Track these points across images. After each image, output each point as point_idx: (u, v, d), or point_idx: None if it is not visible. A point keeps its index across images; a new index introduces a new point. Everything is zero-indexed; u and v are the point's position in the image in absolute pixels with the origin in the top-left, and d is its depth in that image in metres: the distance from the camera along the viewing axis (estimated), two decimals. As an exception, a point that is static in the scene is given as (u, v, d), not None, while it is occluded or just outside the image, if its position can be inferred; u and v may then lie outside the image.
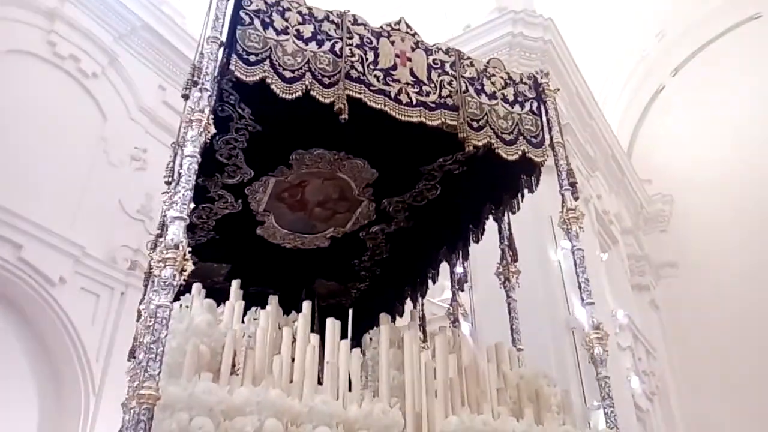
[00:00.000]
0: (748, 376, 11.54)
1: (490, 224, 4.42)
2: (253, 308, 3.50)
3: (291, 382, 2.56)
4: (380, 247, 5.01)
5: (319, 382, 2.73)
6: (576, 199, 3.47)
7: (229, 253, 4.94)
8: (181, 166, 3.13)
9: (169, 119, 8.80)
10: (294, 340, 2.81)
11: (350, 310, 5.28)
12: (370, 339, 3.41)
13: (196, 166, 2.69)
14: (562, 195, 3.51)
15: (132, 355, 5.20)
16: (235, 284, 3.53)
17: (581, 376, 7.12)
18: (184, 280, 2.46)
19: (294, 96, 3.10)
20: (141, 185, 8.34)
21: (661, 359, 12.20)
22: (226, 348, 2.53)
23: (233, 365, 2.52)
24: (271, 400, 2.19)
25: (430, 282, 5.01)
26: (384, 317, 3.55)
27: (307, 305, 3.21)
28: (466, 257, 4.64)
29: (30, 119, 7.36)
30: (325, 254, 5.02)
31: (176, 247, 2.42)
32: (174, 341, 2.45)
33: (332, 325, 2.98)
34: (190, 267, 2.45)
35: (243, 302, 3.20)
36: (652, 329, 12.36)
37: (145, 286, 4.92)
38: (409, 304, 5.22)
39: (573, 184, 3.48)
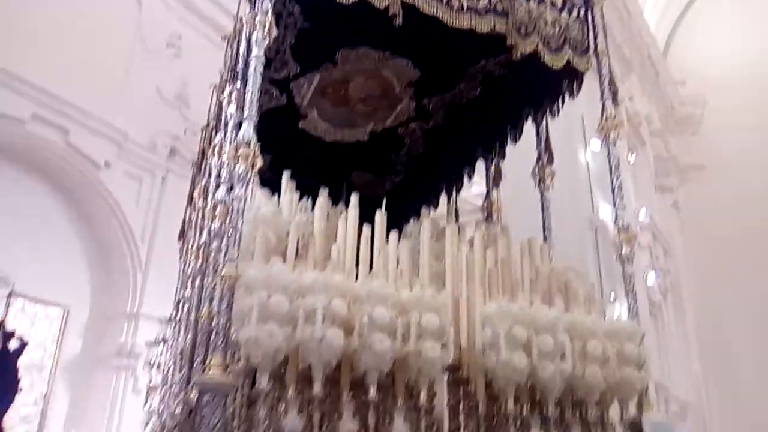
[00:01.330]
0: (760, 279, 11.86)
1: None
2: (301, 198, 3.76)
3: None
4: (417, 143, 5.19)
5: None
6: (616, 106, 3.59)
7: (271, 144, 5.17)
8: (240, 63, 3.30)
9: (201, 5, 8.79)
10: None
11: (384, 202, 5.55)
12: (410, 231, 3.68)
13: (262, 68, 2.86)
14: (603, 103, 3.63)
15: (181, 236, 5.58)
16: (285, 176, 3.73)
17: (600, 272, 7.46)
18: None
19: (351, 1, 3.20)
20: (177, 72, 8.48)
21: (678, 258, 12.54)
22: (291, 235, 2.81)
23: (296, 251, 2.81)
24: (335, 283, 2.48)
25: (465, 178, 5.22)
26: (425, 211, 3.81)
27: (355, 197, 3.42)
28: (502, 156, 4.82)
29: (70, 6, 7.41)
30: (364, 148, 5.21)
31: (248, 144, 2.66)
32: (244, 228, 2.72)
33: (380, 216, 3.23)
34: (260, 162, 2.70)
35: (297, 193, 3.44)
36: (672, 229, 12.62)
37: (195, 173, 5.21)
38: (438, 200, 5.44)
39: (615, 93, 3.59)
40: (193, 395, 2.36)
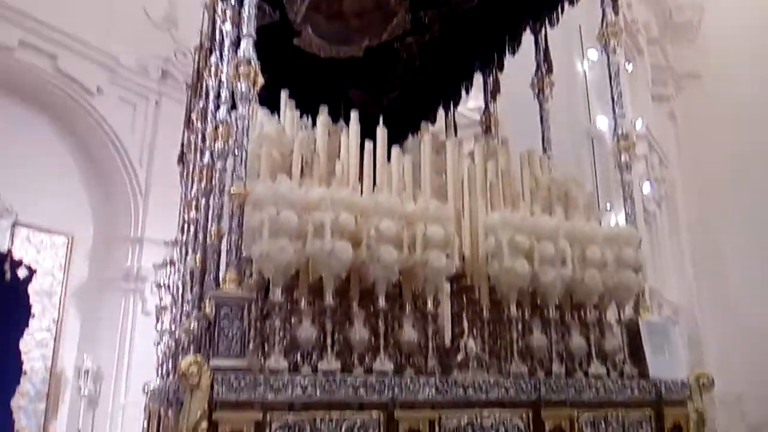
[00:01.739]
0: (754, 188, 11.98)
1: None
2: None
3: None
4: (413, 57, 5.12)
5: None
6: (616, 14, 3.54)
7: (266, 63, 5.10)
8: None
9: None
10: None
11: (381, 119, 5.54)
12: (410, 146, 3.71)
13: (260, -14, 2.82)
14: (603, 10, 3.57)
15: (181, 159, 5.60)
16: (284, 94, 3.71)
17: (597, 183, 7.54)
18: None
19: None
20: (163, -8, 8.26)
21: (673, 168, 12.62)
22: (295, 152, 2.84)
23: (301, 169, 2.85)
24: (341, 197, 2.53)
25: (463, 93, 5.20)
26: (425, 125, 3.83)
27: (354, 114, 3.43)
28: (501, 68, 4.78)
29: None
30: (360, 64, 5.15)
31: (249, 62, 2.65)
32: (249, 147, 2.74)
33: (381, 132, 3.25)
34: (261, 81, 2.69)
35: (297, 112, 3.44)
36: (668, 139, 12.63)
37: (191, 96, 5.17)
38: (435, 115, 5.43)
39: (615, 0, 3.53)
40: (210, 309, 2.45)
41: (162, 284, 5.58)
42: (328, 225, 2.45)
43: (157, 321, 5.52)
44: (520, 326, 2.97)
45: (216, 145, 3.15)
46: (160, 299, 5.61)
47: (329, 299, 2.49)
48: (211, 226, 3.10)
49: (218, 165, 3.07)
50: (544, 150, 4.10)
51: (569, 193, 3.42)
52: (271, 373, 2.29)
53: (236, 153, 2.56)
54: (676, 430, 3.04)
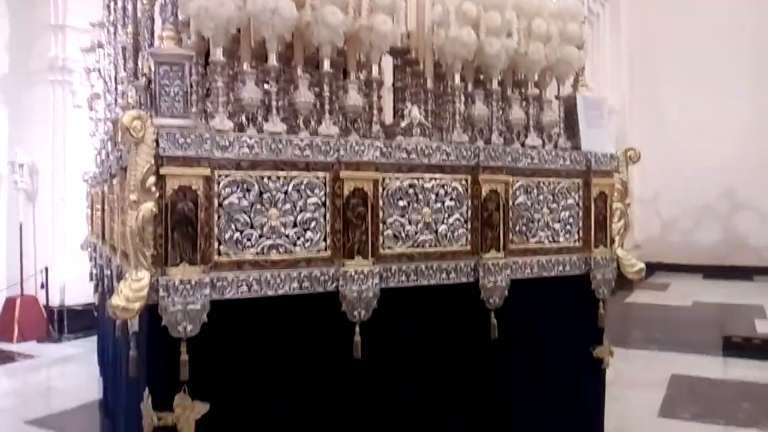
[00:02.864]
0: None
1: None
2: None
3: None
4: None
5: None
6: None
7: None
8: None
9: None
10: None
11: None
12: None
13: None
14: None
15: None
16: None
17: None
18: None
19: None
20: None
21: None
22: None
23: None
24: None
25: None
26: None
27: None
28: None
29: None
30: None
31: None
32: None
33: None
34: None
35: None
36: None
37: None
38: None
39: None
40: (149, 69, 2.37)
41: (92, 68, 5.31)
42: (270, -19, 2.32)
43: (91, 110, 5.34)
44: (462, 97, 3.02)
45: None
46: (92, 86, 5.37)
47: (273, 60, 2.43)
48: (142, -9, 2.90)
49: None
50: None
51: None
52: (217, 132, 2.28)
53: None
54: (602, 198, 3.27)
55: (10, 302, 6.94)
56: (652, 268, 12.66)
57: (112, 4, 4.33)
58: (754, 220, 12.53)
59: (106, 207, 3.88)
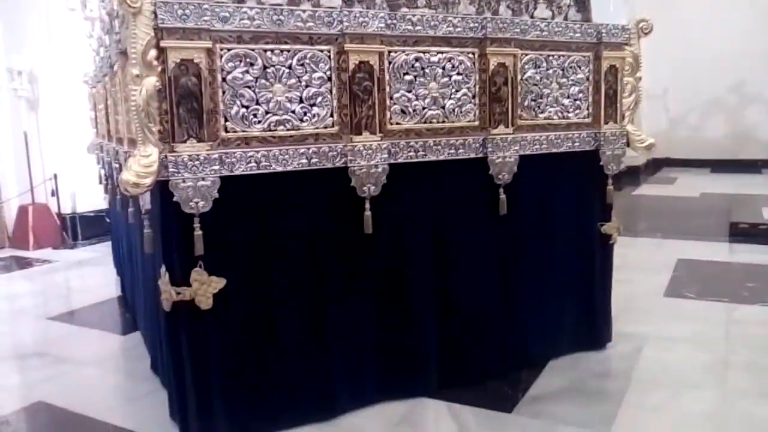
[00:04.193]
0: None
1: None
2: None
3: None
4: None
5: None
6: None
7: None
8: None
9: None
10: None
11: None
12: None
13: None
14: None
15: None
16: None
17: None
18: None
19: None
20: None
21: None
22: None
23: None
24: None
25: None
26: None
27: None
28: None
29: None
30: None
31: None
32: None
33: None
34: None
35: None
36: None
37: None
38: None
39: None
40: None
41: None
42: None
43: (85, 7, 5.18)
44: (469, -33, 2.90)
45: None
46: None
47: (270, -74, 2.32)
48: None
49: None
50: None
51: None
52: (217, 3, 2.21)
53: None
54: (612, 72, 3.20)
55: (23, 210, 7.01)
56: (660, 163, 12.62)
57: None
58: (762, 113, 12.33)
59: (108, 101, 3.83)
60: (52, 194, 6.99)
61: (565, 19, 3.16)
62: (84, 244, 7.07)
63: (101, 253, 6.54)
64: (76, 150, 6.46)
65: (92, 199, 6.94)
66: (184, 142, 2.18)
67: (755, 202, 7.87)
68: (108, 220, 6.54)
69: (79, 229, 7.14)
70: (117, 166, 3.46)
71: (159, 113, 2.13)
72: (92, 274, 5.78)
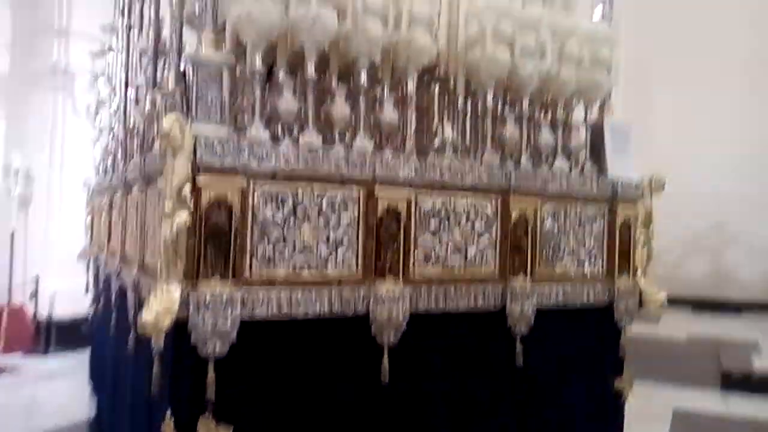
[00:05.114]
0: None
1: None
2: None
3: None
4: None
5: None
6: None
7: None
8: None
9: None
10: None
11: None
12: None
13: None
14: None
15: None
16: None
17: None
18: None
19: None
20: None
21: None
22: None
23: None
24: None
25: None
26: None
27: None
28: None
29: None
30: None
31: None
32: None
33: None
34: None
35: None
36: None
37: None
38: None
39: None
40: (182, 73, 2.29)
41: (100, 74, 5.20)
42: (313, -10, 2.26)
43: (96, 115, 5.22)
44: (494, 118, 2.96)
45: None
46: (98, 92, 5.26)
47: (311, 71, 2.35)
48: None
49: None
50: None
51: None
52: (254, 142, 2.20)
53: None
54: (626, 226, 3.22)
55: (-3, 311, 6.74)
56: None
57: (126, 9, 4.24)
58: (743, 253, 12.59)
59: (114, 216, 3.75)
60: (31, 296, 6.75)
61: (582, 171, 3.20)
62: (56, 351, 6.75)
63: (74, 363, 6.21)
64: (61, 253, 6.30)
65: (71, 304, 6.69)
66: (208, 279, 2.08)
67: (744, 349, 7.86)
68: (84, 332, 6.26)
69: (53, 335, 6.84)
70: (116, 285, 3.33)
71: (186, 249, 2.05)
72: (62, 389, 5.45)
